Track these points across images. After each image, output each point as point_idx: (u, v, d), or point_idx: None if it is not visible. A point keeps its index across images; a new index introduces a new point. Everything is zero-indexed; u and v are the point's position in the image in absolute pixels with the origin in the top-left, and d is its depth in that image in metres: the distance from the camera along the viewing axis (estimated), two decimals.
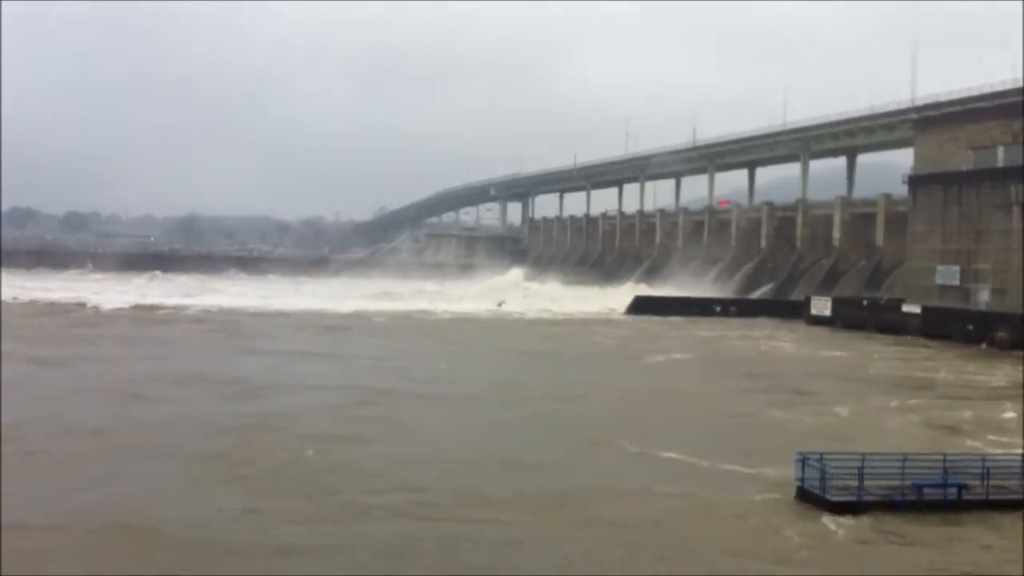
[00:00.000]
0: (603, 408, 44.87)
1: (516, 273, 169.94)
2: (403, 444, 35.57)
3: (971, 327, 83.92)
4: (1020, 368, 64.77)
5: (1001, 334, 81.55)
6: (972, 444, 37.29)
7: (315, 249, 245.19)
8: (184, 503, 26.67)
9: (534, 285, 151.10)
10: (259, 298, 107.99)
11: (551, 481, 30.15)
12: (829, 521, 26.43)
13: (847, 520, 26.42)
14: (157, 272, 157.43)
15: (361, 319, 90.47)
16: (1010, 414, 44.75)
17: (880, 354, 74.09)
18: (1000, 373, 63.27)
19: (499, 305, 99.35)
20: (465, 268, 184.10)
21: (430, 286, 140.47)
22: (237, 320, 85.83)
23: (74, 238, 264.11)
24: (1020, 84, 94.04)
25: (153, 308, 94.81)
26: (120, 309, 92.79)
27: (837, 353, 74.04)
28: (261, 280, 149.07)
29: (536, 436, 37.89)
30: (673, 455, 34.22)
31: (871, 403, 48.22)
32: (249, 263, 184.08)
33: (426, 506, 27.00)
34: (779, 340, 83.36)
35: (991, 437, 38.99)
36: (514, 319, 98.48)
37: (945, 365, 67.24)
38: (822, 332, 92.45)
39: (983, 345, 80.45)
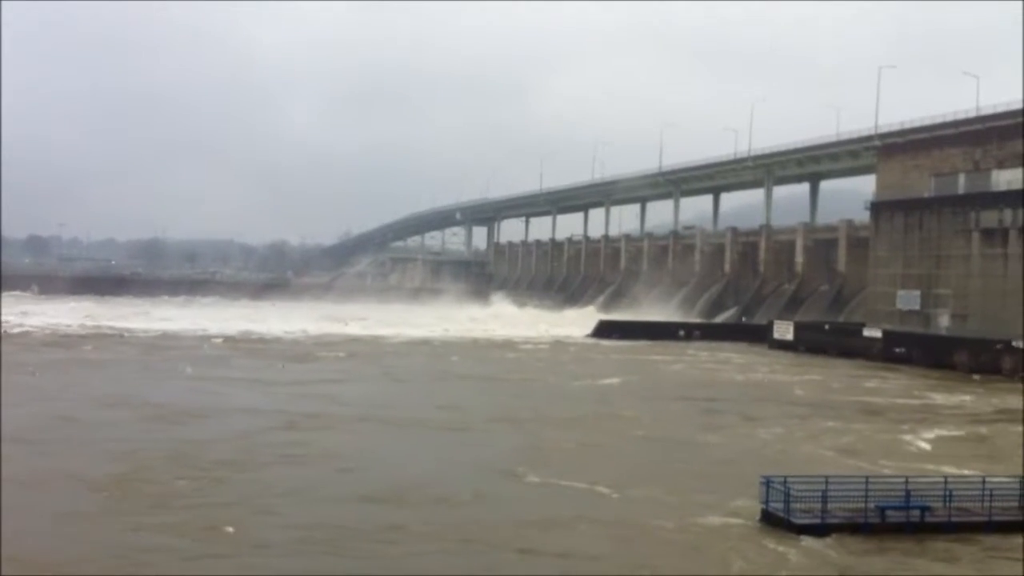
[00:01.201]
0: (525, 436, 43.54)
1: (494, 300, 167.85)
2: (330, 466, 35.27)
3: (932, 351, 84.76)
4: (974, 392, 65.62)
5: (961, 358, 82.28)
6: (864, 466, 36.94)
7: (278, 272, 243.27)
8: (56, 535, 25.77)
9: (496, 308, 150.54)
10: (190, 322, 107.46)
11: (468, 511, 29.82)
12: (793, 543, 26.27)
13: (812, 543, 26.27)
14: (106, 296, 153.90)
15: (299, 343, 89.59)
16: (923, 443, 44.44)
17: (833, 378, 74.24)
18: (953, 398, 63.78)
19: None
20: (432, 292, 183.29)
21: (390, 310, 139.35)
22: (146, 342, 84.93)
23: (25, 262, 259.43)
24: (980, 113, 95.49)
25: (74, 332, 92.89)
26: (28, 332, 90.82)
27: (793, 377, 74.15)
28: (208, 304, 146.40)
29: (456, 462, 37.13)
30: (603, 488, 33.14)
31: (804, 427, 48.21)
32: (198, 286, 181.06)
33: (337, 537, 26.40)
34: (732, 364, 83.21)
35: (883, 462, 38.31)
36: (471, 343, 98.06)
37: (897, 390, 67.48)
38: (783, 356, 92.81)
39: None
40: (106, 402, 48.50)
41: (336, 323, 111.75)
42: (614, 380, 67.64)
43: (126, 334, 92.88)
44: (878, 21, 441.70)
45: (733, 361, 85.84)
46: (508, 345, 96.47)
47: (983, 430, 50.15)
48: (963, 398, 63.45)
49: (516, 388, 62.57)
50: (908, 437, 45.88)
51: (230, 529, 26.45)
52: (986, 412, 57.39)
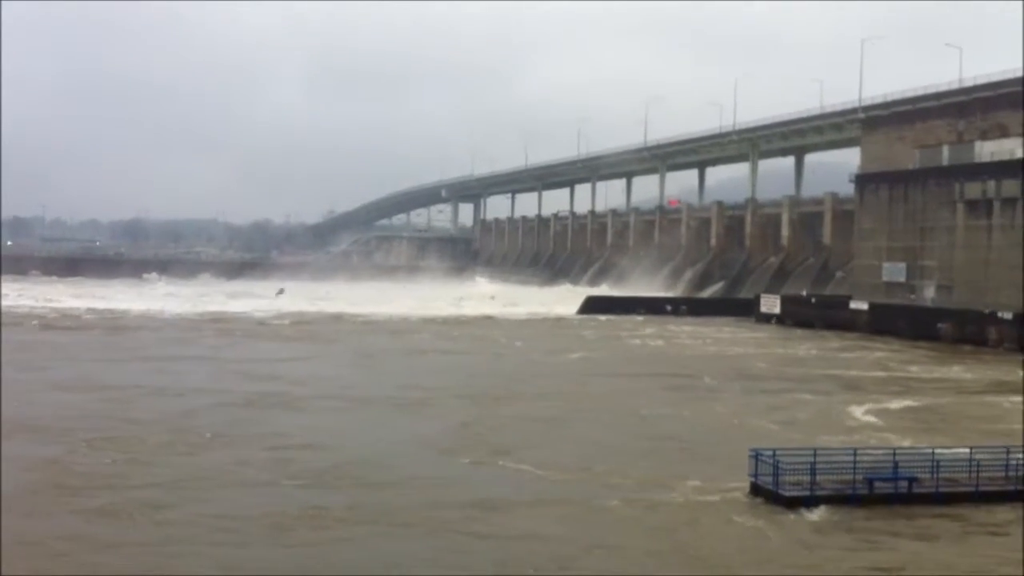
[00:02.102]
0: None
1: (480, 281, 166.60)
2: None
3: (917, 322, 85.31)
4: (956, 363, 66.13)
5: (946, 329, 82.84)
6: (795, 437, 37.00)
7: (260, 252, 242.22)
8: None
9: (484, 286, 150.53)
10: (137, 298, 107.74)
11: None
12: (783, 514, 26.52)
13: (801, 515, 26.55)
14: (80, 277, 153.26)
15: (259, 322, 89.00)
16: (869, 416, 44.12)
17: (812, 351, 74.68)
18: (936, 369, 64.32)
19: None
20: (411, 270, 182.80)
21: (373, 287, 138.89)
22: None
23: (8, 244, 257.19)
24: (963, 85, 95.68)
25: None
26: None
27: (772, 350, 74.36)
28: (181, 283, 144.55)
29: (403, 441, 36.41)
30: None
31: (763, 401, 48.11)
32: (171, 266, 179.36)
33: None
34: (713, 339, 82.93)
35: (824, 437, 37.44)
36: (457, 320, 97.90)
37: (875, 362, 67.76)
38: (768, 330, 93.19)
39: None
40: (63, 385, 47.33)
41: (310, 302, 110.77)
42: (586, 355, 67.73)
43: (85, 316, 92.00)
44: None
45: (714, 336, 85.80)
46: (489, 322, 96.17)
47: (943, 401, 50.22)
48: (944, 369, 63.96)
49: (489, 366, 61.98)
50: (854, 408, 45.74)
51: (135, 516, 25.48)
52: (957, 383, 57.80)
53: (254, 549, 23.39)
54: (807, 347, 77.78)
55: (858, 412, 44.98)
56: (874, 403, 47.56)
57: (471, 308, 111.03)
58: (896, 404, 47.99)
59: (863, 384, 55.95)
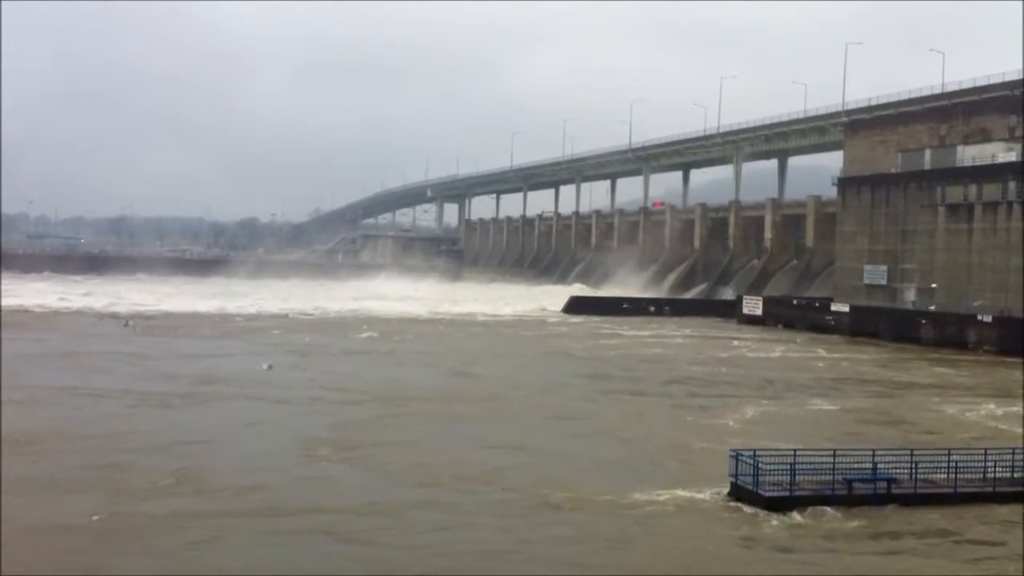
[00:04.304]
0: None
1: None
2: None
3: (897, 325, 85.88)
4: (927, 364, 66.71)
5: (926, 332, 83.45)
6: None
7: (248, 251, 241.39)
8: None
9: (467, 285, 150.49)
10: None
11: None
12: (762, 516, 26.72)
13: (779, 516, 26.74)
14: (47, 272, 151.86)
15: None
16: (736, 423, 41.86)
17: (780, 353, 74.68)
18: (905, 371, 64.73)
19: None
20: (405, 269, 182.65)
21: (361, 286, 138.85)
22: None
23: None
24: (945, 89, 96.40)
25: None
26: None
27: (741, 353, 73.40)
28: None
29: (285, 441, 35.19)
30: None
31: (685, 404, 47.18)
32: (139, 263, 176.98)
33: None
34: (686, 341, 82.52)
35: (734, 441, 36.35)
36: (440, 319, 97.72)
37: (840, 363, 67.89)
38: (749, 331, 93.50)
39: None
40: None
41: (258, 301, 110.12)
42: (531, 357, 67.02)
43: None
44: None
45: (691, 337, 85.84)
46: (469, 323, 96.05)
47: (865, 404, 50.02)
48: (914, 370, 64.36)
49: (445, 368, 59.30)
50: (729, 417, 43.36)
51: None
52: (896, 383, 58.11)
53: None
54: (776, 348, 77.81)
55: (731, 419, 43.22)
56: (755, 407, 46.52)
57: (455, 307, 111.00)
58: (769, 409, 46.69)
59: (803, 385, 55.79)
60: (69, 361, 55.38)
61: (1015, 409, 47.11)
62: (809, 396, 51.16)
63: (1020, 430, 40.72)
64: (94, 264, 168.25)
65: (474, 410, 43.70)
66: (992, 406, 48.46)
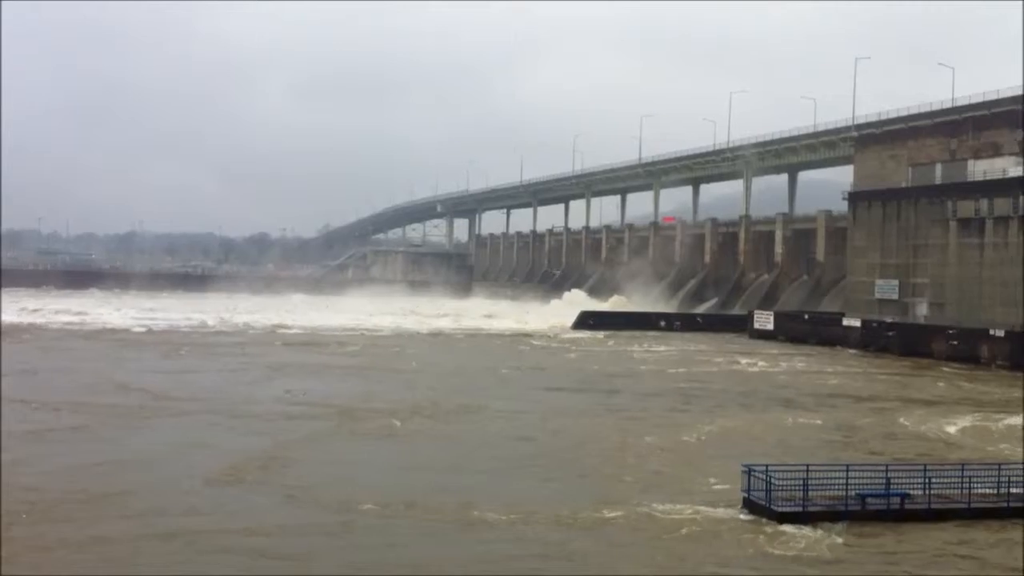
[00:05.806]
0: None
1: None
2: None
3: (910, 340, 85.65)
4: (937, 380, 66.53)
5: (938, 347, 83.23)
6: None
7: (257, 266, 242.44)
8: None
9: (478, 301, 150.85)
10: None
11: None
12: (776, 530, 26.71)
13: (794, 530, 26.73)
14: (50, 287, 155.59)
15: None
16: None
17: (786, 367, 74.62)
18: (912, 385, 64.59)
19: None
20: (414, 285, 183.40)
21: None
22: None
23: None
24: (956, 104, 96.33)
25: None
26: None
27: (755, 369, 73.72)
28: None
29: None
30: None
31: (681, 418, 47.25)
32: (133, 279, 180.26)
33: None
34: (700, 355, 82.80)
35: (711, 452, 37.59)
36: (448, 335, 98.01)
37: (850, 380, 67.60)
38: (761, 346, 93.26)
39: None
40: None
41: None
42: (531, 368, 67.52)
43: None
44: (855, 13, 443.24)
45: (704, 351, 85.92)
46: (474, 337, 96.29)
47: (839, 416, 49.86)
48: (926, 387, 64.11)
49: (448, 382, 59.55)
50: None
51: None
52: (891, 397, 57.86)
53: None
54: (780, 363, 77.72)
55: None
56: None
57: (466, 322, 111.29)
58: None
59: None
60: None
61: None
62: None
63: None
64: (98, 279, 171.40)
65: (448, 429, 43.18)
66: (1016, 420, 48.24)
